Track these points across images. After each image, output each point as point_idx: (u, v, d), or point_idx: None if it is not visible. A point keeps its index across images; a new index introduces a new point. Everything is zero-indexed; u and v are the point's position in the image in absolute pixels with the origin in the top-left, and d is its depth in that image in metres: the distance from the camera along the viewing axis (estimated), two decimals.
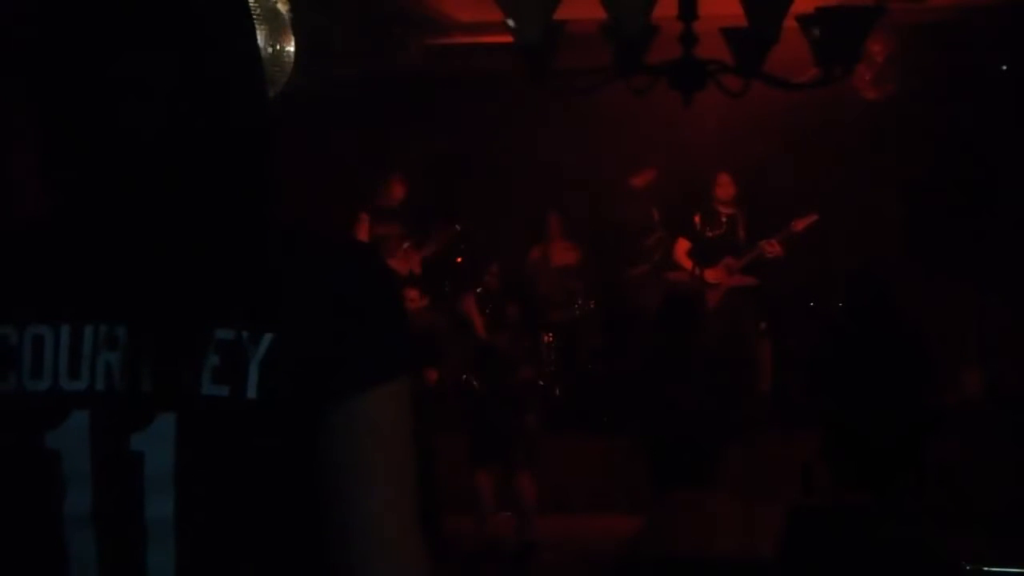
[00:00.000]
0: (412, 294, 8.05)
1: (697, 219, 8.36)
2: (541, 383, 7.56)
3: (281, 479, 1.20)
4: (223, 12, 1.22)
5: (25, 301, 1.20)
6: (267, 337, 1.18)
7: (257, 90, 1.26)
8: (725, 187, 8.32)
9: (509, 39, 4.08)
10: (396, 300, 1.27)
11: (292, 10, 3.66)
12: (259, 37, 3.40)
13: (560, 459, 7.17)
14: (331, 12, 6.42)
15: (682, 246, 8.46)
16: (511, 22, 3.96)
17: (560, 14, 4.00)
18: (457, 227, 8.56)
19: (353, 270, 1.24)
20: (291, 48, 3.60)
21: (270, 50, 3.48)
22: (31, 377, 1.18)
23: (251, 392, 1.17)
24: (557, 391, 8.19)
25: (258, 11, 3.48)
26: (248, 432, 1.18)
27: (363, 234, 8.03)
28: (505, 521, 6.51)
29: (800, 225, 8.16)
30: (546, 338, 8.19)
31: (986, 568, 4.07)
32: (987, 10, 7.75)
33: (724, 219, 8.34)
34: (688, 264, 8.37)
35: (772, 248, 8.18)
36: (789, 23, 3.96)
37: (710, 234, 8.31)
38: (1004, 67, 8.56)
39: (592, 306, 8.64)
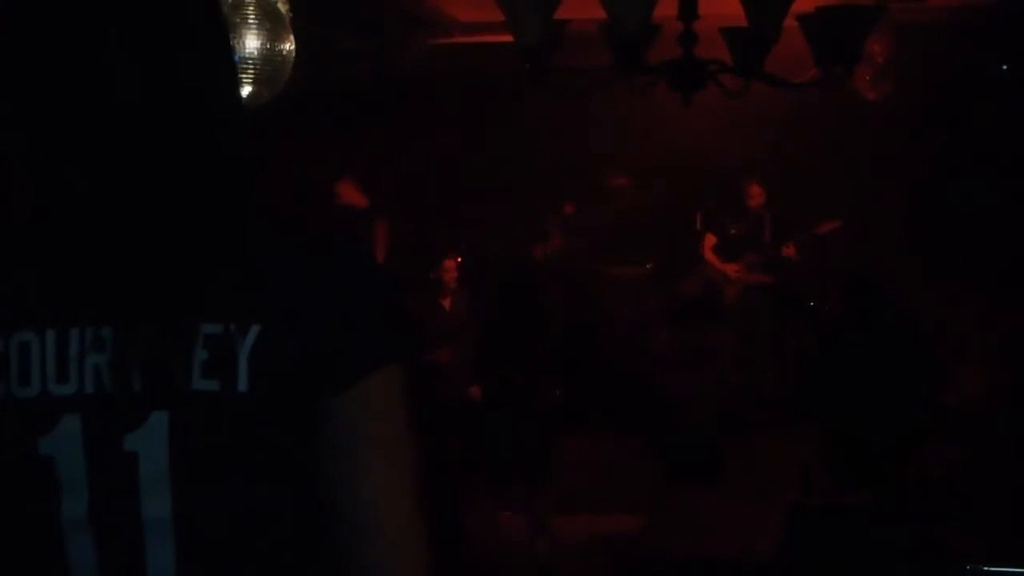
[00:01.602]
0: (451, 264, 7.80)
1: (698, 218, 8.48)
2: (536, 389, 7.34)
3: (277, 471, 1.20)
4: (195, 13, 1.22)
5: (8, 308, 1.19)
6: (254, 329, 1.18)
7: (233, 86, 1.26)
8: (756, 197, 8.48)
9: (509, 39, 4.08)
10: (382, 289, 1.26)
11: (292, 10, 3.65)
12: (258, 37, 3.40)
13: (560, 459, 7.15)
14: (332, 12, 6.41)
15: (709, 241, 8.61)
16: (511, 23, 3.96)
17: (560, 14, 4.00)
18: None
19: (338, 260, 1.24)
20: (291, 48, 3.59)
21: (269, 50, 3.47)
22: (19, 384, 1.18)
23: (242, 385, 1.17)
24: (557, 391, 8.17)
25: (258, 11, 3.47)
26: (241, 425, 1.18)
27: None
28: (519, 522, 6.44)
29: (823, 229, 8.29)
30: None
31: (986, 568, 4.06)
32: (987, 10, 7.74)
33: (751, 218, 8.46)
34: (714, 259, 8.52)
35: (787, 250, 8.36)
36: (789, 23, 3.95)
37: (734, 231, 8.44)
38: (1004, 67, 8.56)
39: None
